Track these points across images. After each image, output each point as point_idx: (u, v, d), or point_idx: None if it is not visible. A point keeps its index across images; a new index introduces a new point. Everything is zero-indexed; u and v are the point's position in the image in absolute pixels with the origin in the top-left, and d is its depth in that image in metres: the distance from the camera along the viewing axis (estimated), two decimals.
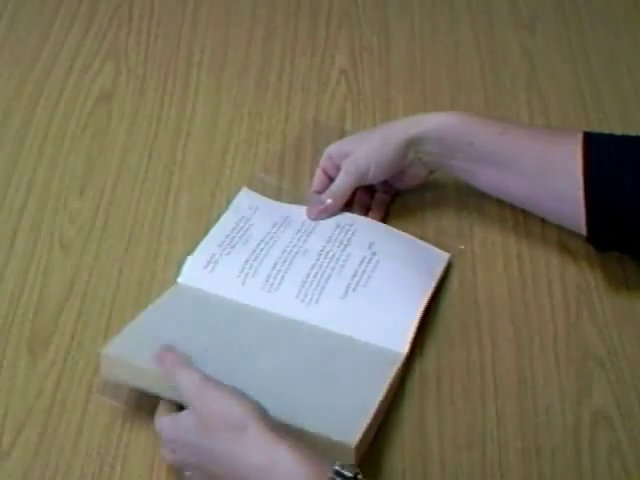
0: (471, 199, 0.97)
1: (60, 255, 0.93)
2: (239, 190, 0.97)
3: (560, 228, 0.94)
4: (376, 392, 0.77)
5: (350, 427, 0.72)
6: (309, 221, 0.93)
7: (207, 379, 0.71)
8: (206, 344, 0.80)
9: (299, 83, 1.11)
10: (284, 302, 0.85)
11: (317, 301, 0.85)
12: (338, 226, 0.92)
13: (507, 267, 0.91)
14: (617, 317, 0.88)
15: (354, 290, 0.86)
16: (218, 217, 0.94)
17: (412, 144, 0.90)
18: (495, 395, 0.82)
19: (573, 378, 0.83)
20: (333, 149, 0.94)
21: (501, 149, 0.88)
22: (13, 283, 0.90)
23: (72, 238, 0.94)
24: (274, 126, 1.06)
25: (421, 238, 0.93)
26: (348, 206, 0.95)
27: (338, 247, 0.90)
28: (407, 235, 0.93)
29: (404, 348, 0.82)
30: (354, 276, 0.87)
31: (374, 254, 0.89)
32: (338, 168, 0.93)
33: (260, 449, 0.67)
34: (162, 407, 0.75)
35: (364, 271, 0.88)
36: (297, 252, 0.89)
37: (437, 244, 0.92)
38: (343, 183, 0.93)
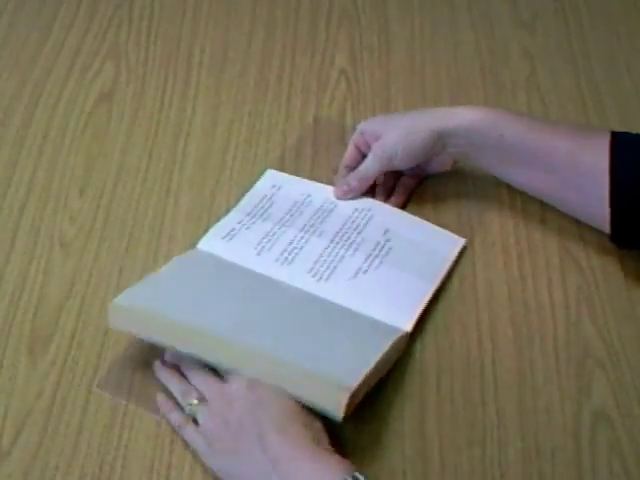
0: (471, 199, 0.97)
1: (60, 255, 0.93)
2: (240, 189, 0.97)
3: (560, 228, 0.94)
4: (377, 351, 0.78)
5: (350, 373, 0.75)
6: (329, 201, 0.96)
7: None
8: (219, 299, 0.83)
9: (299, 83, 1.11)
10: (296, 276, 0.88)
11: (328, 279, 0.88)
12: (356, 210, 0.94)
13: (507, 267, 0.91)
14: (617, 317, 0.88)
15: (365, 272, 0.88)
16: (241, 195, 0.96)
17: (440, 136, 0.91)
18: (495, 395, 0.82)
19: (573, 378, 0.83)
20: (366, 127, 0.95)
21: (531, 144, 0.88)
22: (13, 283, 0.90)
23: (72, 238, 0.94)
24: (274, 126, 1.06)
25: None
26: (372, 187, 0.97)
27: (354, 231, 0.92)
28: (423, 222, 0.94)
29: (408, 326, 0.84)
30: (366, 260, 0.89)
31: (388, 240, 0.91)
32: (369, 145, 0.95)
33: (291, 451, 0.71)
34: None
35: (377, 256, 0.90)
36: (314, 232, 0.92)
37: None
38: (370, 167, 0.94)
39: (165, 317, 0.79)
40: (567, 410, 0.81)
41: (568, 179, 0.88)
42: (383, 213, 0.94)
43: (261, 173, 0.99)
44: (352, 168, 0.96)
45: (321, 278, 0.88)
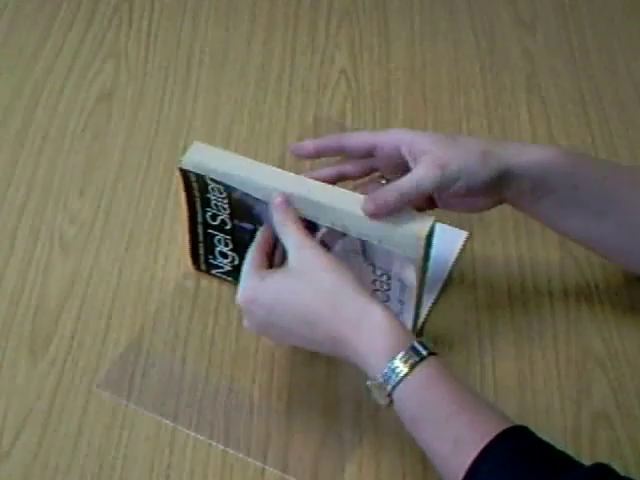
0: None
1: (60, 255, 0.93)
2: None
3: None
4: None
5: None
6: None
7: (311, 240, 0.76)
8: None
9: (299, 83, 1.11)
10: None
11: None
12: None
13: (507, 267, 0.91)
14: (617, 317, 0.88)
15: None
16: None
17: (509, 174, 0.79)
18: (495, 395, 0.82)
19: (573, 378, 0.83)
20: (406, 136, 0.80)
21: (605, 196, 0.80)
22: (13, 283, 0.90)
23: (72, 238, 0.94)
24: (274, 126, 1.06)
25: None
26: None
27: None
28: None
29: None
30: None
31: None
32: (391, 158, 0.81)
33: (355, 302, 0.72)
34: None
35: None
36: None
37: None
38: (422, 184, 0.77)
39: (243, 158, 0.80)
40: (567, 410, 0.81)
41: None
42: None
43: None
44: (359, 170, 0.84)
45: None
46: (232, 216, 0.84)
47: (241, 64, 1.14)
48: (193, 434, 0.79)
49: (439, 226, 0.83)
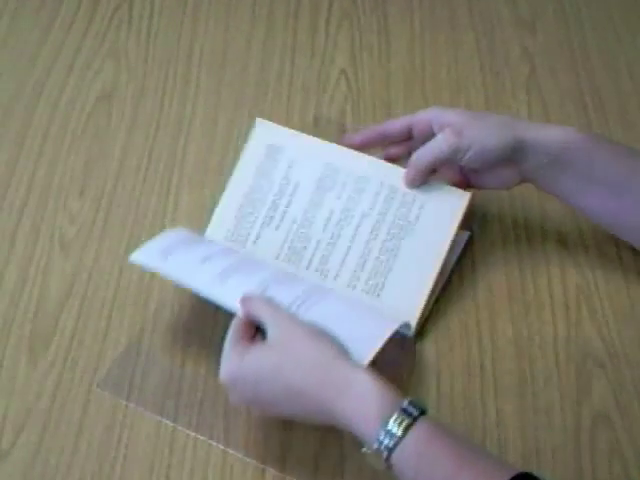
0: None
1: (60, 255, 0.93)
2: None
3: (560, 228, 0.94)
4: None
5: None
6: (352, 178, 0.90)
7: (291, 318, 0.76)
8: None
9: (299, 83, 1.11)
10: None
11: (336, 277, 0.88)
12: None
13: (507, 267, 0.91)
14: (617, 317, 0.88)
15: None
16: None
17: (524, 146, 0.84)
18: (495, 395, 0.82)
19: (573, 378, 0.83)
20: (440, 115, 0.87)
21: (622, 170, 0.83)
22: (13, 283, 0.90)
23: (72, 238, 0.94)
24: None
25: None
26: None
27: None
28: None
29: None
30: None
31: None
32: (426, 136, 0.87)
33: (339, 370, 0.71)
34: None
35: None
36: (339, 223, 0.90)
37: None
38: (439, 149, 0.85)
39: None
40: (567, 410, 0.81)
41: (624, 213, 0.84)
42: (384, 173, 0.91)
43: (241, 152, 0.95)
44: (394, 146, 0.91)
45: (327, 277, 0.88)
46: None
47: (241, 64, 1.14)
48: (193, 434, 0.79)
49: (440, 186, 0.89)
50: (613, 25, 1.19)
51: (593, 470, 0.77)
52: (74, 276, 0.91)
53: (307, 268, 0.88)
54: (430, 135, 0.87)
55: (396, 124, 0.91)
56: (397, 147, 0.92)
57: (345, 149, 0.92)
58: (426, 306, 0.86)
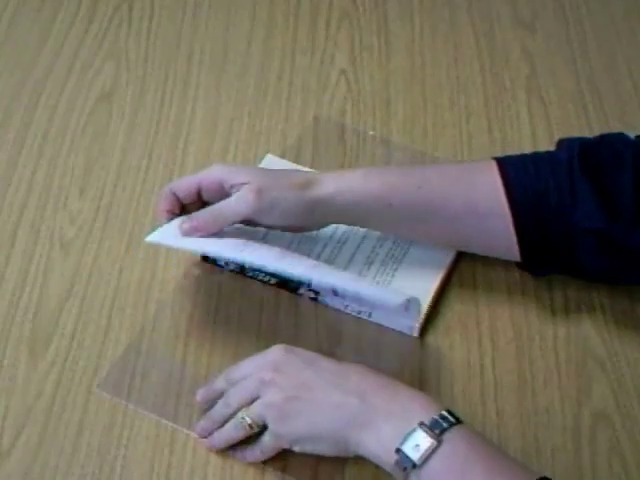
0: None
1: (60, 255, 0.93)
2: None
3: None
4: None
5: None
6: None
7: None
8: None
9: (299, 83, 1.11)
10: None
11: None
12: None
13: (507, 267, 0.91)
14: (617, 317, 0.88)
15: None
16: None
17: (321, 205, 0.84)
18: (495, 395, 0.82)
19: (573, 378, 0.83)
20: (224, 172, 0.86)
21: (422, 202, 0.84)
22: (13, 283, 0.90)
23: (72, 238, 0.94)
24: (274, 126, 1.06)
25: None
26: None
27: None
28: None
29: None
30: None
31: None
32: (218, 196, 0.86)
33: (382, 381, 0.73)
34: None
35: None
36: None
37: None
38: (236, 210, 0.84)
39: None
40: (567, 410, 0.81)
41: (466, 224, 0.84)
42: None
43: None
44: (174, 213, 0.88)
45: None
46: None
47: (241, 64, 1.14)
48: (193, 434, 0.79)
49: None
50: (613, 25, 1.19)
51: (593, 470, 0.77)
52: (74, 276, 0.91)
53: None
54: (222, 195, 0.85)
55: (184, 185, 0.87)
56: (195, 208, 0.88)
57: None
58: (428, 308, 0.87)
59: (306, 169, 0.97)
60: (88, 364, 0.84)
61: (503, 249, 0.85)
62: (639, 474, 0.77)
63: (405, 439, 0.68)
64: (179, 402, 0.81)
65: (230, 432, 0.77)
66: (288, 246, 0.90)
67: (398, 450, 0.68)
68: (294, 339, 0.85)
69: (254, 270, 0.89)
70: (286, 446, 0.75)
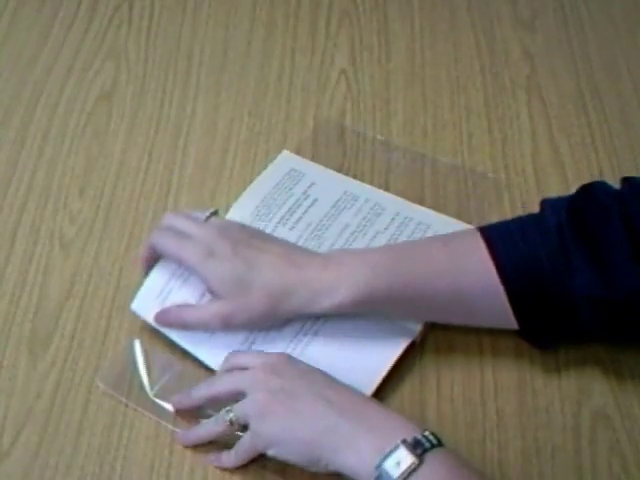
0: (471, 200, 0.97)
1: (60, 255, 0.93)
2: (240, 189, 0.96)
3: None
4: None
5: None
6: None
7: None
8: None
9: (299, 83, 1.11)
10: None
11: None
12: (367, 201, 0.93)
13: None
14: None
15: None
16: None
17: (295, 314, 0.82)
18: (495, 395, 0.82)
19: (573, 378, 0.83)
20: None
21: (412, 298, 0.80)
22: (13, 283, 0.90)
23: (72, 238, 0.94)
24: (274, 126, 1.06)
25: None
26: None
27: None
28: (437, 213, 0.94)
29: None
30: None
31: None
32: None
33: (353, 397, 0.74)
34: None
35: None
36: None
37: None
38: (200, 321, 0.83)
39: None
40: (567, 410, 0.81)
41: (462, 311, 0.82)
42: (395, 205, 0.94)
43: (261, 172, 0.99)
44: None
45: None
46: None
47: (241, 64, 1.14)
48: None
49: (449, 219, 0.91)
50: (613, 25, 1.19)
51: (593, 470, 0.77)
52: (74, 276, 0.91)
53: None
54: None
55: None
56: None
57: (365, 185, 0.96)
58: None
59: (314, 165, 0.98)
60: (88, 364, 0.84)
61: (502, 323, 0.81)
62: (639, 474, 0.77)
63: (387, 456, 0.68)
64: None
65: (210, 425, 0.77)
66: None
67: (378, 467, 0.68)
68: None
69: None
70: (261, 447, 0.74)
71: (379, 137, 1.04)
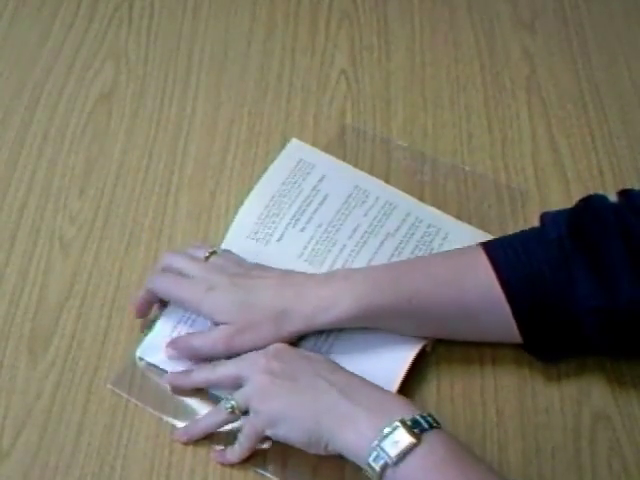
0: (471, 200, 0.97)
1: (60, 255, 0.93)
2: (240, 189, 0.97)
3: None
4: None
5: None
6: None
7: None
8: None
9: (299, 83, 1.11)
10: None
11: None
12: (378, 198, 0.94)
13: None
14: None
15: None
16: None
17: (308, 330, 0.82)
18: (495, 395, 0.82)
19: (573, 378, 0.83)
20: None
21: (414, 314, 0.81)
22: (13, 283, 0.90)
23: (72, 238, 0.94)
24: (274, 126, 1.06)
25: None
26: None
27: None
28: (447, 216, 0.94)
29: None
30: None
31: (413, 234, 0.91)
32: None
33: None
34: None
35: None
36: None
37: None
38: (208, 348, 0.82)
39: None
40: (567, 410, 0.81)
41: (468, 325, 0.82)
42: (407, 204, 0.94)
43: (261, 173, 0.98)
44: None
45: None
46: None
47: (241, 64, 1.14)
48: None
49: (462, 224, 0.91)
50: (613, 25, 1.19)
51: (593, 470, 0.77)
52: (74, 276, 0.91)
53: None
54: None
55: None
56: None
57: (375, 178, 0.96)
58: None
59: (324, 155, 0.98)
60: (88, 364, 0.84)
61: (506, 337, 0.82)
62: (639, 474, 0.77)
63: (385, 435, 0.69)
64: (179, 402, 0.81)
65: (210, 416, 0.78)
66: (305, 246, 0.90)
67: (376, 445, 0.69)
68: None
69: None
70: (261, 427, 0.75)
71: (379, 137, 1.04)
